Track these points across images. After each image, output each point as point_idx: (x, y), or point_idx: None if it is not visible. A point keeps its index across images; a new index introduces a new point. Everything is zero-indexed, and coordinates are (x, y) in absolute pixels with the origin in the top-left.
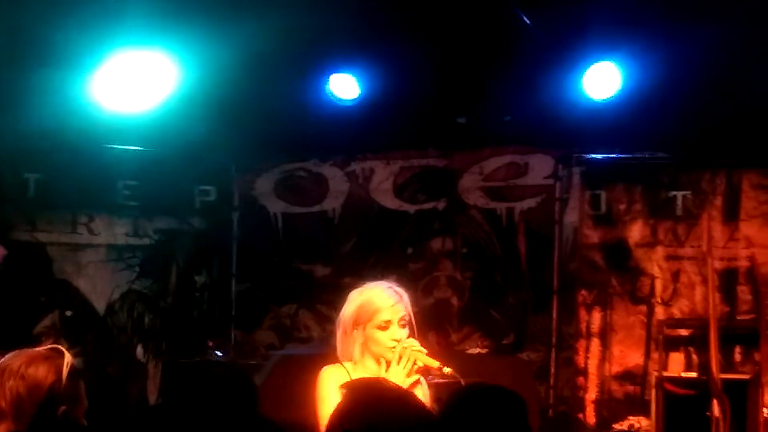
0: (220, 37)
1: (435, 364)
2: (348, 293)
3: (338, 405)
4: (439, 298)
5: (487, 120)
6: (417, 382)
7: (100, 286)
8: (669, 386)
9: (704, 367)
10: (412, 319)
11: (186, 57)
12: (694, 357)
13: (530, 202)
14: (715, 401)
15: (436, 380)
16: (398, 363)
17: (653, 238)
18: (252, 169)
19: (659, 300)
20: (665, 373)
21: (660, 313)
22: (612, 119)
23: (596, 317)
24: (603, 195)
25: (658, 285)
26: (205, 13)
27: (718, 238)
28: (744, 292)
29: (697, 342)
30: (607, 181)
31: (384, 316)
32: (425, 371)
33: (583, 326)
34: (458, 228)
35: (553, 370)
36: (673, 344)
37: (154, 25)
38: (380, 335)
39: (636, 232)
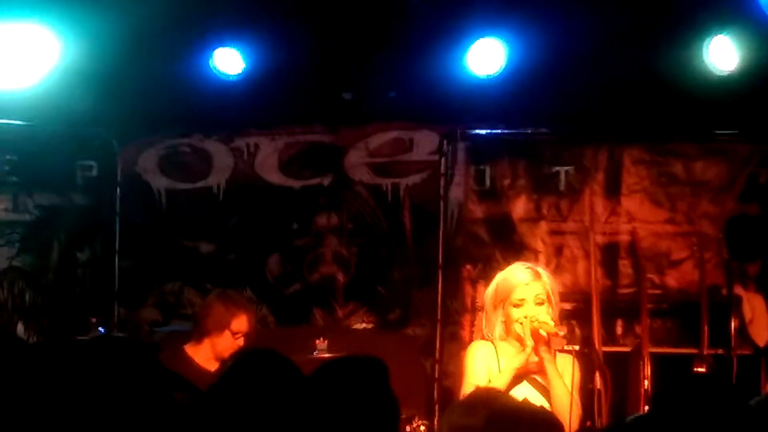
0: (102, 9)
1: (552, 329)
2: (232, 269)
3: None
4: (324, 273)
5: (373, 96)
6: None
7: None
8: None
9: (587, 340)
10: (552, 297)
11: (66, 30)
12: (577, 330)
13: (415, 178)
14: (597, 373)
15: (321, 355)
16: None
17: (537, 213)
18: (135, 145)
19: None
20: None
21: None
22: (496, 95)
23: (481, 292)
24: (487, 170)
25: (542, 259)
26: None
27: (600, 212)
28: (625, 266)
29: (580, 315)
30: (491, 157)
31: (518, 294)
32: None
33: (468, 301)
34: (344, 204)
35: (438, 344)
36: None
37: None
38: (514, 312)
39: (520, 207)
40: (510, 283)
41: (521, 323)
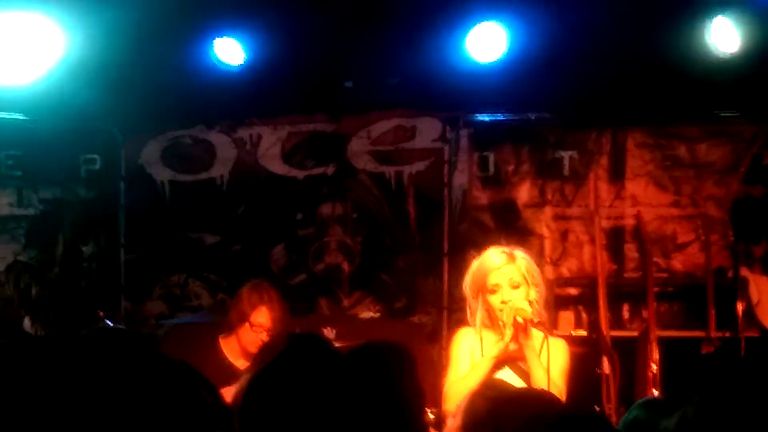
0: (103, 1)
1: (528, 315)
2: (237, 260)
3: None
4: (329, 263)
5: (374, 83)
6: (542, 341)
7: None
8: None
9: (594, 325)
10: (529, 278)
11: (68, 23)
12: (584, 315)
13: (419, 166)
14: (605, 358)
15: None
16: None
17: (541, 198)
18: (138, 137)
19: (548, 260)
20: (555, 332)
21: (549, 272)
22: (498, 80)
23: None
24: (491, 156)
25: (547, 245)
26: None
27: (605, 197)
28: (631, 250)
29: (586, 300)
30: (494, 143)
31: (492, 279)
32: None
33: None
34: (348, 193)
35: (445, 332)
36: (562, 303)
37: None
38: (492, 299)
39: (524, 192)
40: (484, 268)
41: (501, 310)
